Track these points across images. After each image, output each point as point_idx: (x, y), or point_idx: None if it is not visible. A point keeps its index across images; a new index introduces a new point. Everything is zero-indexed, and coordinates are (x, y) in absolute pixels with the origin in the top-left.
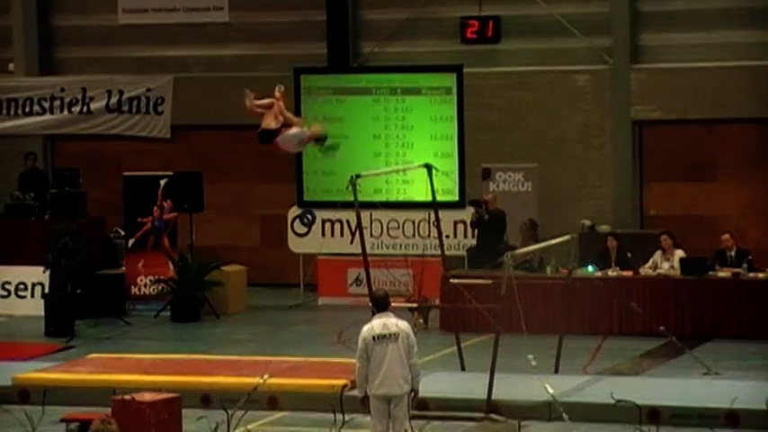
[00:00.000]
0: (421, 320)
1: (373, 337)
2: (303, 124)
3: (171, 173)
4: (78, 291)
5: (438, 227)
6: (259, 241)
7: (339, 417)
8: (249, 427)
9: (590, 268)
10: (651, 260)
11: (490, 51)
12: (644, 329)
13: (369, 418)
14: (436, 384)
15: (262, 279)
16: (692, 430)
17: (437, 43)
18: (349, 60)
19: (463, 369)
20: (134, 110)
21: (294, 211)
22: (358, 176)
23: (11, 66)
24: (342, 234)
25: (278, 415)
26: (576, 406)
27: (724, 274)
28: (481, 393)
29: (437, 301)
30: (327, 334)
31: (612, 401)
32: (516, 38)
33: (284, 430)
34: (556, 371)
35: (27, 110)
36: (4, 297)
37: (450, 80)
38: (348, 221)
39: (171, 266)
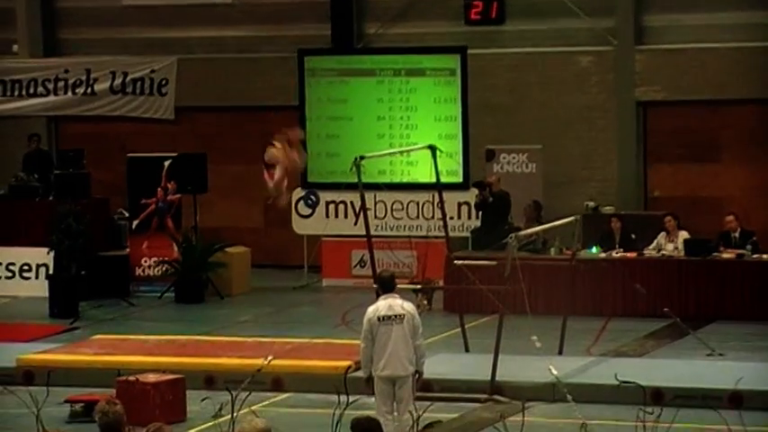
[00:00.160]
0: (425, 302)
1: (378, 318)
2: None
3: (175, 154)
4: (82, 272)
5: (442, 208)
6: (263, 223)
7: (343, 398)
8: (253, 408)
9: (594, 250)
10: (655, 241)
11: (494, 33)
12: (648, 311)
13: (373, 400)
14: (440, 366)
15: (265, 260)
16: (696, 411)
17: (441, 24)
18: (353, 41)
19: (467, 350)
20: (138, 91)
21: (298, 192)
22: (362, 158)
23: (15, 47)
24: (346, 215)
25: (282, 396)
26: (580, 387)
27: (728, 255)
28: (485, 375)
29: (441, 283)
30: (331, 315)
31: (616, 383)
32: (520, 19)
33: (288, 411)
34: (560, 352)
35: (31, 91)
36: (8, 278)
37: (454, 61)
38: (352, 203)
39: (175, 248)
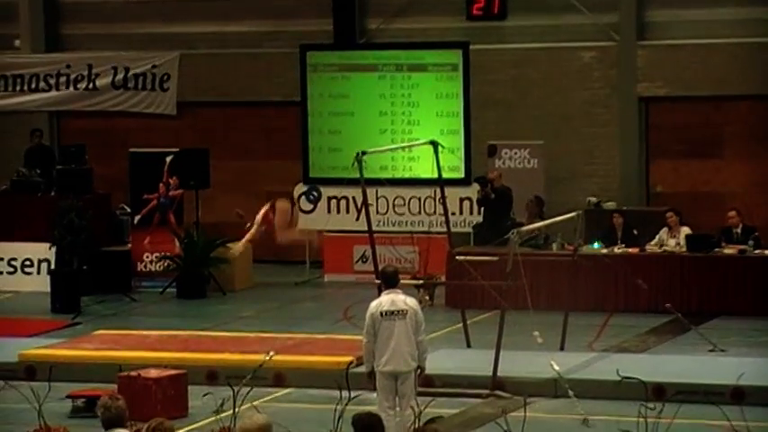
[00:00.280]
0: (427, 297)
1: (381, 313)
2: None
3: (177, 149)
4: (84, 267)
5: (444, 204)
6: None
7: (345, 394)
8: (255, 403)
9: (596, 245)
10: (657, 237)
11: (496, 28)
12: (650, 306)
13: (375, 395)
14: (442, 361)
15: (268, 256)
16: (698, 407)
17: (443, 20)
18: (355, 37)
19: (469, 346)
20: (140, 86)
21: (300, 187)
22: (364, 153)
23: (17, 42)
24: (348, 211)
25: (284, 391)
26: (582, 383)
27: (730, 251)
28: (487, 370)
29: (443, 278)
30: (333, 311)
31: (618, 378)
32: (522, 14)
33: (290, 407)
34: (561, 348)
35: (33, 86)
36: (10, 273)
37: (456, 57)
38: (354, 198)
39: (177, 243)
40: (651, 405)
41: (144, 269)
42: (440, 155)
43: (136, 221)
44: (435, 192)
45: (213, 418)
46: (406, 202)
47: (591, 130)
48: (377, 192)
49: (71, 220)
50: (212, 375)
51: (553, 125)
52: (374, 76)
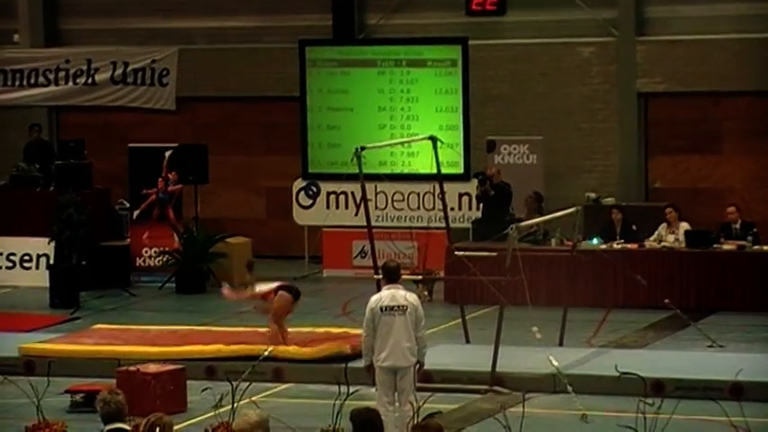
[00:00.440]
0: (425, 293)
1: (381, 308)
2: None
3: (176, 144)
4: (83, 262)
5: (443, 199)
6: (264, 213)
7: (344, 389)
8: (254, 398)
9: (595, 241)
10: (656, 233)
11: (495, 23)
12: (648, 302)
13: (374, 390)
14: (441, 357)
15: (267, 251)
16: (697, 402)
17: (442, 15)
18: (354, 32)
19: (468, 341)
20: (139, 81)
21: (299, 183)
22: (363, 149)
23: (16, 37)
24: (347, 206)
25: (283, 387)
26: (581, 378)
27: (729, 246)
28: (485, 366)
29: (442, 274)
30: (332, 306)
31: (617, 374)
32: (521, 10)
33: (289, 402)
34: (560, 343)
35: (32, 81)
36: (9, 268)
37: (455, 52)
38: (353, 194)
39: (176, 238)
40: (650, 401)
41: (143, 264)
42: (439, 150)
43: (135, 216)
44: (434, 187)
45: (212, 413)
46: (405, 197)
47: (590, 126)
48: (376, 187)
49: (70, 214)
50: (211, 370)
51: (552, 121)
52: (373, 72)
